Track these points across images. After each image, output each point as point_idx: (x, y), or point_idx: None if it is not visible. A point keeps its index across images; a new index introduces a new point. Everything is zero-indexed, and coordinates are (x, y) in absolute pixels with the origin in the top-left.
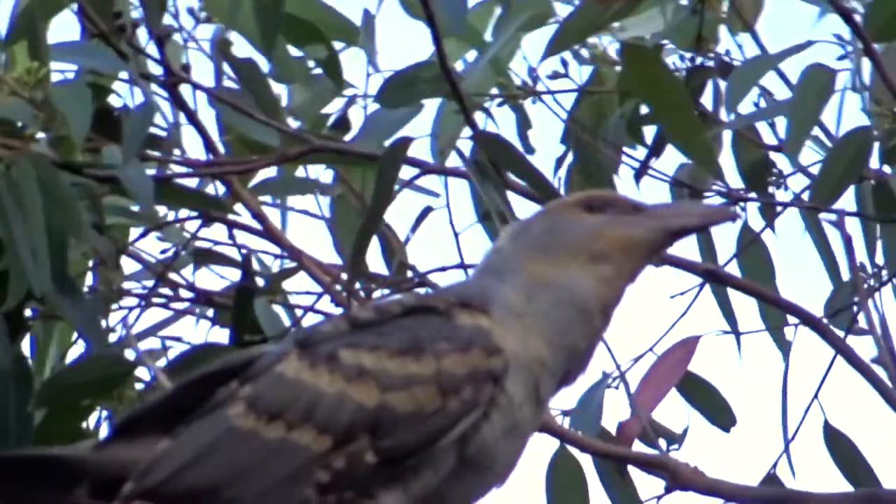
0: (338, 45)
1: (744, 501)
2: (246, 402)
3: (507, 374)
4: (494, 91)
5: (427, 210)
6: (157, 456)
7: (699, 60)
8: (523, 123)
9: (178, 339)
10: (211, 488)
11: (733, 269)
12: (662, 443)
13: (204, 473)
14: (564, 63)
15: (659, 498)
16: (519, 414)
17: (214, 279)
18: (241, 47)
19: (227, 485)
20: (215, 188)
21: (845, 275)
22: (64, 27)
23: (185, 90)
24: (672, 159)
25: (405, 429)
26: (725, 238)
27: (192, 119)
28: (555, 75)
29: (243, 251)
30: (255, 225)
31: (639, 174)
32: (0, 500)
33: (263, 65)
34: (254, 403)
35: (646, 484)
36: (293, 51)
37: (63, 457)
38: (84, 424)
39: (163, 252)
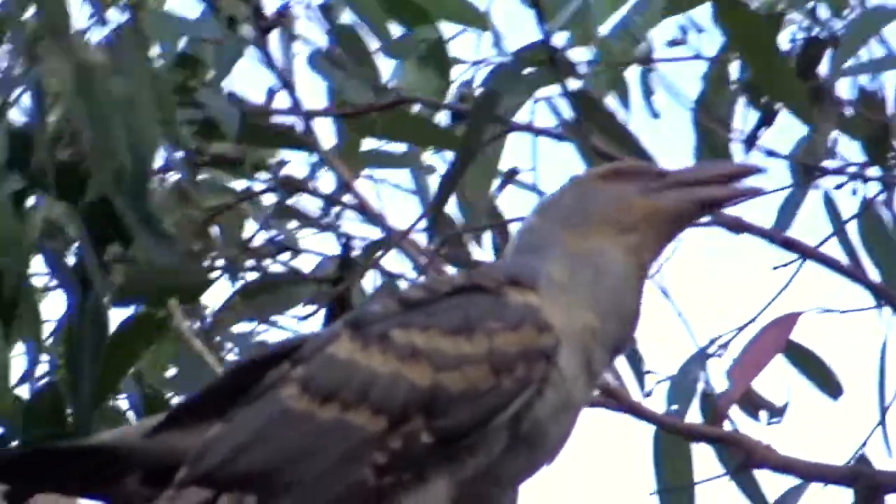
0: (456, 27)
1: (816, 479)
2: (299, 383)
3: (559, 350)
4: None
5: (514, 171)
6: (209, 440)
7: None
8: (647, 88)
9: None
10: (267, 471)
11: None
12: (763, 416)
13: (259, 457)
14: (684, 30)
15: (733, 474)
16: (572, 389)
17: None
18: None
19: (284, 467)
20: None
21: None
22: None
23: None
24: (790, 132)
25: (460, 408)
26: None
27: (279, 72)
28: (674, 42)
29: (341, 237)
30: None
31: (749, 144)
32: (51, 490)
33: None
34: (307, 385)
35: None
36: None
37: (113, 446)
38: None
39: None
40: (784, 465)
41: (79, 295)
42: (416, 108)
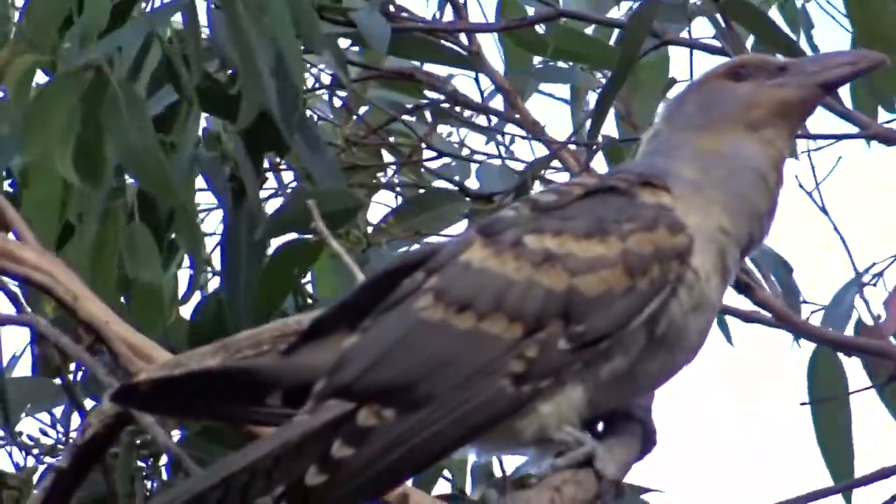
0: None
1: None
2: (434, 293)
3: (693, 250)
4: None
5: (672, 81)
6: (346, 352)
7: None
8: (806, 23)
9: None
10: (404, 383)
11: None
12: None
13: (396, 368)
14: None
15: (882, 386)
16: (707, 288)
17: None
18: None
19: (422, 379)
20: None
21: None
22: None
23: None
24: None
25: (596, 312)
26: None
27: None
28: None
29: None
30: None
31: None
32: (196, 415)
33: None
34: (442, 294)
35: None
36: None
37: (253, 367)
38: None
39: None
40: None
41: (231, 206)
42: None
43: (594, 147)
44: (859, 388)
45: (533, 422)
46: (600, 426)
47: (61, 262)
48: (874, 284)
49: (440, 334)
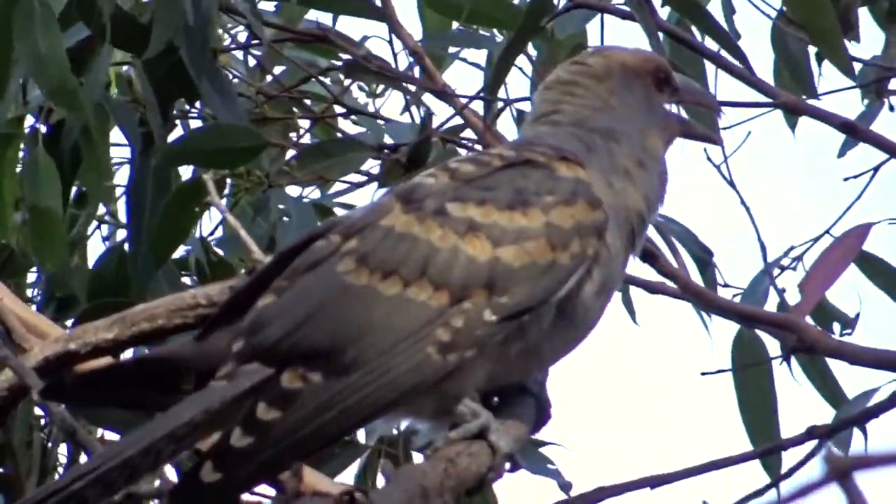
0: None
1: (868, 364)
2: (355, 257)
3: (608, 226)
4: None
5: (581, 45)
6: (263, 312)
7: None
8: (728, 8)
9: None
10: (332, 347)
11: None
12: (836, 326)
13: (323, 332)
14: None
15: (784, 357)
16: (614, 265)
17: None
18: None
19: (349, 344)
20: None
21: None
22: None
23: None
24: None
25: (519, 284)
26: None
27: None
28: None
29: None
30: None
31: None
32: (114, 406)
33: None
34: (365, 259)
35: None
36: None
37: (167, 354)
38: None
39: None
40: (835, 350)
41: (140, 147)
42: None
43: (499, 106)
44: (757, 362)
45: (433, 394)
46: (495, 399)
47: None
48: (794, 268)
49: (367, 299)
